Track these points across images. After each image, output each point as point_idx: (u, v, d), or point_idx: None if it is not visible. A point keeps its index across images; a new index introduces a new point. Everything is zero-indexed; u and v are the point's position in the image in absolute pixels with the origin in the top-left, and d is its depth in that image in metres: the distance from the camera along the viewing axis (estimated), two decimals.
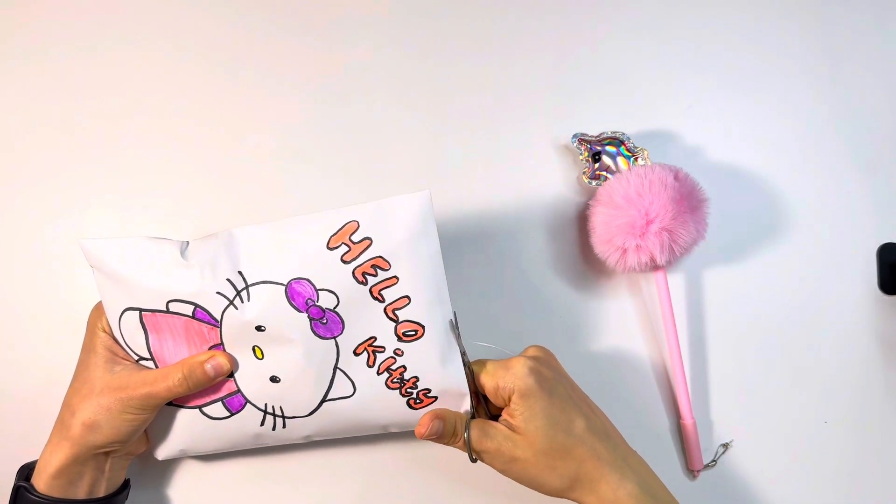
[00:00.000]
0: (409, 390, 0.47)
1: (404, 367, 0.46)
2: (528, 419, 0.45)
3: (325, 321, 0.45)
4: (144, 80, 0.60)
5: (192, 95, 0.60)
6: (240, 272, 0.45)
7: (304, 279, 0.45)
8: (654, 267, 0.54)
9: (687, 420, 0.55)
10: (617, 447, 0.47)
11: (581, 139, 0.57)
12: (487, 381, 0.47)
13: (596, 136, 0.57)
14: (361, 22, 0.62)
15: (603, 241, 0.54)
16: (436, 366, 0.46)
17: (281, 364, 0.46)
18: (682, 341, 0.56)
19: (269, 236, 0.46)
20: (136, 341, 0.48)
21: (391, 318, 0.45)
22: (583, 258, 0.58)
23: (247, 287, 0.45)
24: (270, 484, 0.56)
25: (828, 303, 0.58)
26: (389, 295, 0.45)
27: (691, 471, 0.56)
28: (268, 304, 0.45)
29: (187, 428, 0.49)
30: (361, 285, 0.45)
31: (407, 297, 0.45)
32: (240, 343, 0.47)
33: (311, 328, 0.45)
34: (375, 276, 0.45)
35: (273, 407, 0.47)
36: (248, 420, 0.48)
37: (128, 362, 0.49)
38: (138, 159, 0.59)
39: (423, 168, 0.60)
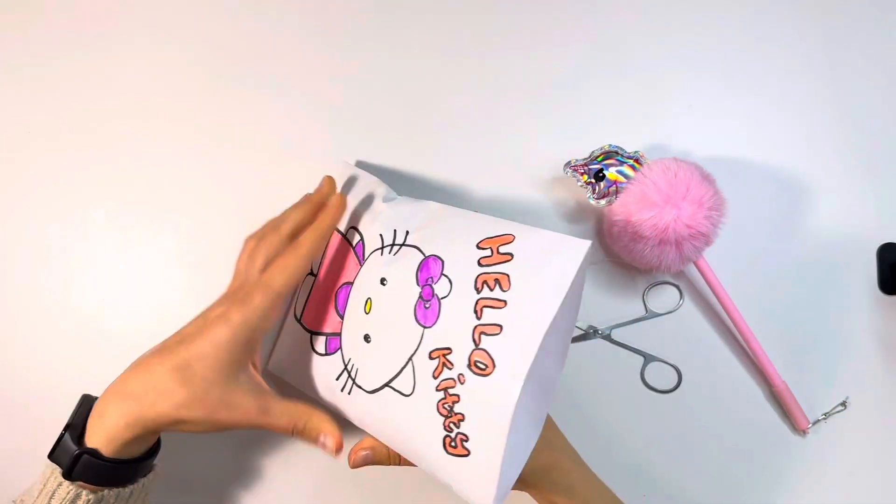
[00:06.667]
0: (451, 425, 0.42)
1: (458, 396, 0.41)
2: None
3: (428, 306, 0.43)
4: (147, 83, 0.60)
5: (196, 99, 0.60)
6: (407, 231, 0.47)
7: (441, 259, 0.44)
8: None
9: (777, 384, 0.56)
10: None
11: (573, 167, 0.55)
12: None
13: (587, 158, 0.55)
14: (361, 26, 0.61)
15: (652, 244, 0.52)
16: (485, 415, 0.40)
17: (377, 326, 0.46)
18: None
19: (449, 217, 0.47)
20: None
21: (474, 340, 0.41)
22: (620, 272, 0.58)
23: (403, 244, 0.47)
24: None
25: (828, 303, 0.59)
26: (488, 316, 0.41)
27: (802, 430, 0.57)
28: (402, 264, 0.46)
29: (295, 350, 0.52)
30: (475, 291, 0.42)
31: (500, 326, 0.40)
32: (363, 290, 0.48)
33: (415, 305, 0.44)
34: (492, 290, 0.41)
35: (352, 366, 0.47)
36: (331, 367, 0.49)
37: (254, 371, 0.46)
38: (142, 161, 0.59)
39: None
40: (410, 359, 0.44)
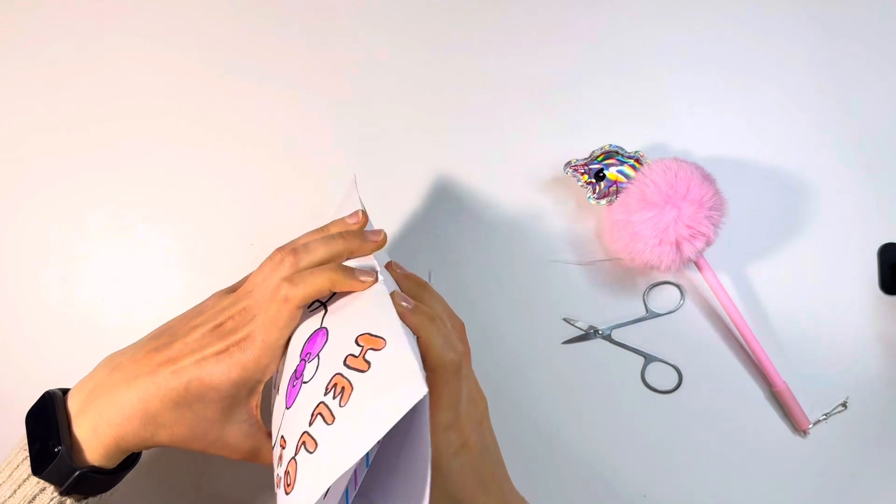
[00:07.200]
0: None
1: (278, 500, 0.38)
2: None
3: (294, 384, 0.40)
4: (148, 82, 0.61)
5: (195, 98, 0.60)
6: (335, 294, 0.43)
7: (328, 336, 0.40)
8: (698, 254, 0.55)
9: (778, 384, 0.55)
10: None
11: (573, 167, 0.55)
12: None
13: (587, 157, 0.55)
14: (361, 26, 0.61)
15: (652, 244, 0.52)
16: None
17: (279, 383, 0.43)
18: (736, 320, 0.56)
19: (367, 289, 0.42)
20: None
21: (296, 448, 0.37)
22: (620, 272, 0.58)
23: (324, 304, 0.43)
24: None
25: (828, 303, 0.58)
26: (316, 427, 0.37)
27: (802, 430, 0.56)
28: (304, 325, 0.42)
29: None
30: (324, 391, 0.37)
31: (317, 444, 0.36)
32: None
33: (290, 378, 0.41)
34: (334, 398, 0.37)
35: (276, 412, 0.44)
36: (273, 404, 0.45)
37: (254, 410, 0.43)
38: (142, 161, 0.60)
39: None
40: (279, 434, 0.41)
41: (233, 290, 0.46)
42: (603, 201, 0.54)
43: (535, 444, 0.56)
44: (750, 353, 0.57)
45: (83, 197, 0.59)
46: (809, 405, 0.56)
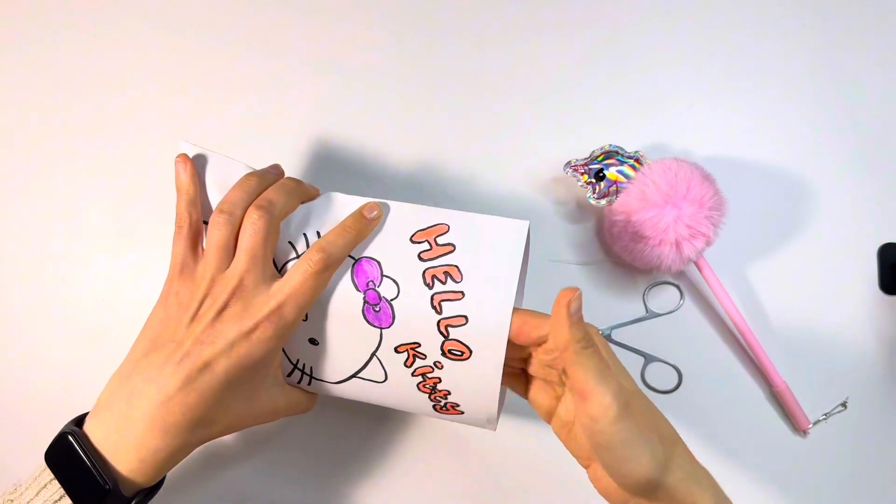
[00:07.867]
0: (438, 398, 0.45)
1: (440, 378, 0.43)
2: None
3: (377, 309, 0.43)
4: (147, 81, 0.61)
5: (195, 97, 0.60)
6: (318, 232, 0.44)
7: (375, 260, 0.43)
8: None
9: (778, 384, 0.55)
10: None
11: (573, 167, 0.55)
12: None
13: (587, 157, 0.55)
14: (358, 24, 0.60)
15: (652, 245, 0.52)
16: (471, 389, 0.43)
17: (322, 330, 0.44)
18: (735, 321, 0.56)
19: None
20: None
21: (442, 333, 0.42)
22: (620, 272, 0.58)
23: None
24: None
25: (828, 303, 0.58)
26: (449, 309, 0.42)
27: (802, 430, 0.56)
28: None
29: None
30: (426, 288, 0.42)
31: (465, 317, 0.41)
32: None
33: (362, 310, 0.43)
34: (444, 283, 0.42)
35: (304, 364, 0.46)
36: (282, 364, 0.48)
37: (277, 371, 0.45)
38: (143, 160, 0.60)
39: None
40: (374, 354, 0.44)
41: (187, 269, 0.43)
42: (603, 201, 0.54)
43: (535, 444, 0.56)
44: (750, 353, 0.57)
45: (83, 197, 0.59)
46: (809, 405, 0.56)
